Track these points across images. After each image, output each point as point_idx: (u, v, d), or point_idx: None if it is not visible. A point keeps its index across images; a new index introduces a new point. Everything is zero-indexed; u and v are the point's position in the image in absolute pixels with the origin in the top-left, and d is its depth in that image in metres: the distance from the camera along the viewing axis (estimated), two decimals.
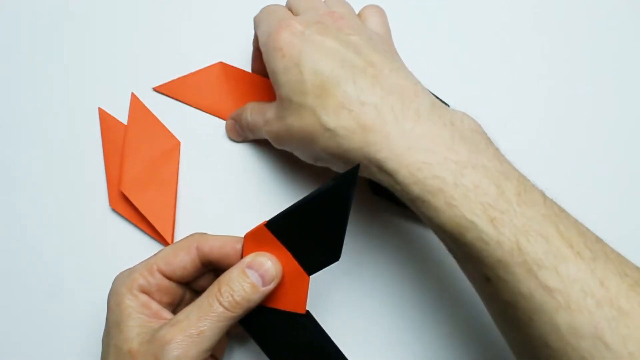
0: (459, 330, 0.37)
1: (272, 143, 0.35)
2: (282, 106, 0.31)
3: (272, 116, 0.33)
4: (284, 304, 0.30)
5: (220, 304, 0.27)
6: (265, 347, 0.31)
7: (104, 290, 0.37)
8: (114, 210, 0.38)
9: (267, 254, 0.29)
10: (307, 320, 0.30)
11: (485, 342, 0.36)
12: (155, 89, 0.40)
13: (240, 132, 0.38)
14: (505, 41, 0.41)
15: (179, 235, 0.38)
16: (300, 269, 0.29)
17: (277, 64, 0.31)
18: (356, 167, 0.27)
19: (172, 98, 0.40)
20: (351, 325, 0.37)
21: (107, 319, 0.29)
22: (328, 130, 0.29)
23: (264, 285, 0.28)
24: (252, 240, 0.30)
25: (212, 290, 0.28)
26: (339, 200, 0.27)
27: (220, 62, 0.40)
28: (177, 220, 0.38)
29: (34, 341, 0.37)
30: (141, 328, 0.28)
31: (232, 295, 0.28)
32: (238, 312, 0.28)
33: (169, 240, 0.37)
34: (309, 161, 0.33)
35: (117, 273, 0.31)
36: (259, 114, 0.35)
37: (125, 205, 0.38)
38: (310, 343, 0.30)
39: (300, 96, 0.30)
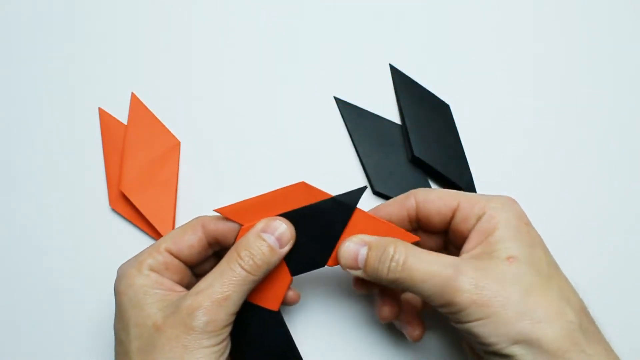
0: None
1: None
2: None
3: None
4: (261, 299, 0.30)
5: (243, 268, 0.28)
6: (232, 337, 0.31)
7: (104, 289, 0.37)
8: (114, 210, 0.38)
9: (280, 218, 0.30)
10: (277, 319, 0.31)
11: None
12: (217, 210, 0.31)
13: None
14: (502, 43, 0.42)
15: None
16: (285, 269, 0.30)
17: None
18: (363, 188, 0.30)
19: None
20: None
21: (118, 304, 0.29)
22: None
23: (281, 247, 0.29)
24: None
25: (232, 256, 0.29)
26: (341, 213, 0.29)
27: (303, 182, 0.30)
28: (177, 220, 0.38)
29: (34, 340, 0.37)
30: (161, 302, 0.28)
31: (252, 259, 0.28)
32: (259, 275, 0.29)
33: None
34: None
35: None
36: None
37: (125, 205, 0.38)
38: (273, 340, 0.31)
39: None
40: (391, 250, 0.28)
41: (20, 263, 0.38)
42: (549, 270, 0.27)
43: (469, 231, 0.29)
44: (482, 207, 0.29)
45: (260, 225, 0.29)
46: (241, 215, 0.30)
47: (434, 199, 0.30)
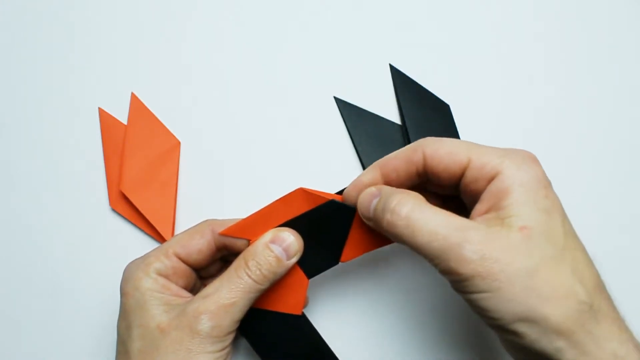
0: (452, 330, 0.37)
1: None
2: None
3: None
4: (282, 307, 0.31)
5: (249, 277, 0.28)
6: (258, 348, 0.32)
7: (104, 289, 0.37)
8: (114, 210, 0.38)
9: (289, 229, 0.30)
10: (302, 321, 0.32)
11: (477, 343, 0.36)
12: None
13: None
14: (503, 43, 0.42)
15: None
16: (301, 273, 0.31)
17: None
18: None
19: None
20: (343, 327, 0.37)
21: (123, 304, 0.29)
22: None
23: (287, 258, 0.29)
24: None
25: (239, 264, 0.29)
26: (345, 212, 0.30)
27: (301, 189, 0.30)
28: (177, 220, 0.38)
29: (34, 340, 0.37)
30: (167, 306, 0.28)
31: (259, 269, 0.29)
32: (265, 284, 0.29)
33: None
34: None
35: (117, 272, 0.31)
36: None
37: (125, 205, 0.38)
38: (303, 343, 0.32)
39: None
40: (394, 200, 0.26)
41: (20, 263, 0.38)
42: (565, 242, 0.25)
43: (480, 193, 0.26)
44: (495, 167, 0.26)
45: (268, 235, 0.30)
46: (246, 231, 0.30)
47: (443, 155, 0.27)
